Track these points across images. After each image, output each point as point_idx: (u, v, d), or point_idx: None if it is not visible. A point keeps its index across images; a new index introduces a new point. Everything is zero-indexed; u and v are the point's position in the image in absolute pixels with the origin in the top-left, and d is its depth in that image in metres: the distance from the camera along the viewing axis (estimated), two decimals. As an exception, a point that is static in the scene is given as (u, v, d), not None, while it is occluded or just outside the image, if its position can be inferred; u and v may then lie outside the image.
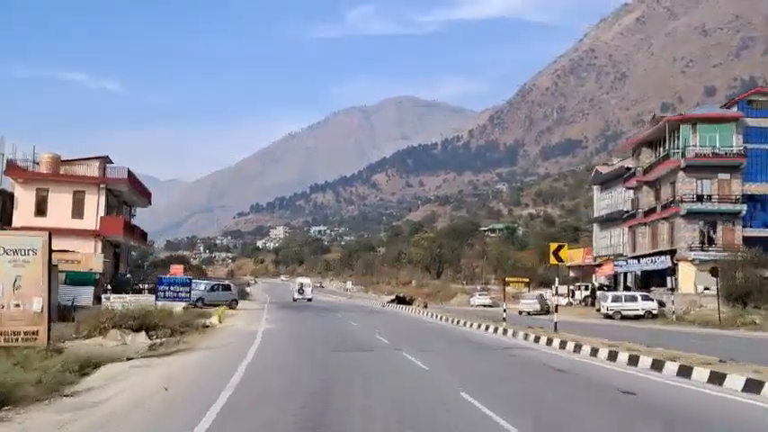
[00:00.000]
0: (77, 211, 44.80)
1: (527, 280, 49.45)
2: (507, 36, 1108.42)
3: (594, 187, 65.78)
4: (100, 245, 44.77)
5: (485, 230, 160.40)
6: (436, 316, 39.75)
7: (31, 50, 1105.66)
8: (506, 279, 43.65)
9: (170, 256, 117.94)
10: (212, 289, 46.09)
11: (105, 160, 47.86)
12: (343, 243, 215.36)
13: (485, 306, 58.68)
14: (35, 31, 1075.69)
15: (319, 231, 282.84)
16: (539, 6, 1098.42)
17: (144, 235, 59.25)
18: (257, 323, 31.19)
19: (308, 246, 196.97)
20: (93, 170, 45.64)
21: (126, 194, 50.55)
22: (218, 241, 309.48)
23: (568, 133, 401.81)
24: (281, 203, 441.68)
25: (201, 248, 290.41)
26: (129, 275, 49.86)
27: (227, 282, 52.22)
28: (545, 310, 46.65)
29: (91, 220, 45.07)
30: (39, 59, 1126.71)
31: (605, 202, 60.50)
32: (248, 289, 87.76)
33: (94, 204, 45.33)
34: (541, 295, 48.21)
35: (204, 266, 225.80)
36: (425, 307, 51.26)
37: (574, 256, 58.29)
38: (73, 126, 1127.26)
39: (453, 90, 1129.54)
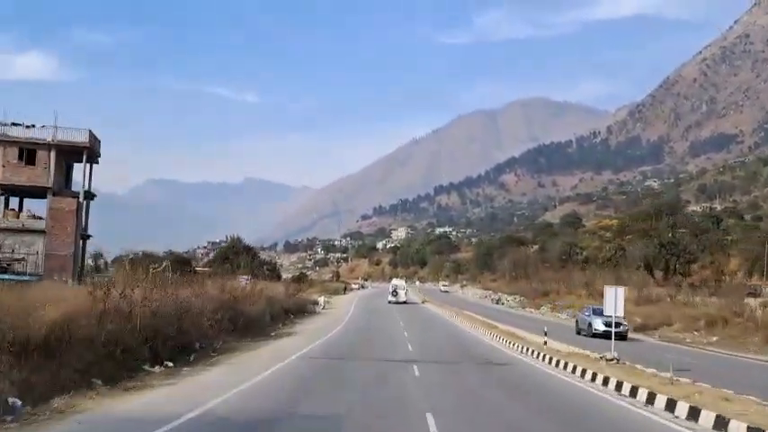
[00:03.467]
0: None
1: None
2: (644, 35, 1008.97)
3: None
4: None
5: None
6: None
7: (180, 65, 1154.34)
8: None
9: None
10: None
11: None
12: (471, 244, 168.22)
13: None
14: (184, 47, 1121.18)
15: (444, 233, 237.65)
16: (679, 1, 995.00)
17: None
18: None
19: (432, 244, 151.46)
20: None
21: None
22: (336, 242, 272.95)
23: (721, 127, 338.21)
24: (404, 206, 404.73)
25: (319, 249, 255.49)
26: None
27: None
28: None
29: None
30: (186, 73, 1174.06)
31: None
32: (321, 300, 45.09)
33: None
34: None
35: (317, 267, 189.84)
36: None
37: None
38: (214, 136, 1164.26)
39: (586, 92, 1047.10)
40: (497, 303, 61.72)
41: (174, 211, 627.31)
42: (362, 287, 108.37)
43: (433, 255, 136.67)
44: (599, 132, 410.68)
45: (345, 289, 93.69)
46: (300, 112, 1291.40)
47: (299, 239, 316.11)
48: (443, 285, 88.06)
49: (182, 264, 54.72)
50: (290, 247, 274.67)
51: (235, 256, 65.31)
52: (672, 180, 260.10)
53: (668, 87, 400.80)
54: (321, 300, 45.94)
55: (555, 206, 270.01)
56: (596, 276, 58.13)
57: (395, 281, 71.26)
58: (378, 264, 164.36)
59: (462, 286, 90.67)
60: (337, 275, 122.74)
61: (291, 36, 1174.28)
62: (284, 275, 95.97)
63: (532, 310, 50.32)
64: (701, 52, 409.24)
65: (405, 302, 60.15)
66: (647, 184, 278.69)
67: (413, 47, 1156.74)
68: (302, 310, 35.90)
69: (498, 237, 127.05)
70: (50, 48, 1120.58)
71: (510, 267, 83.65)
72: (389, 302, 59.15)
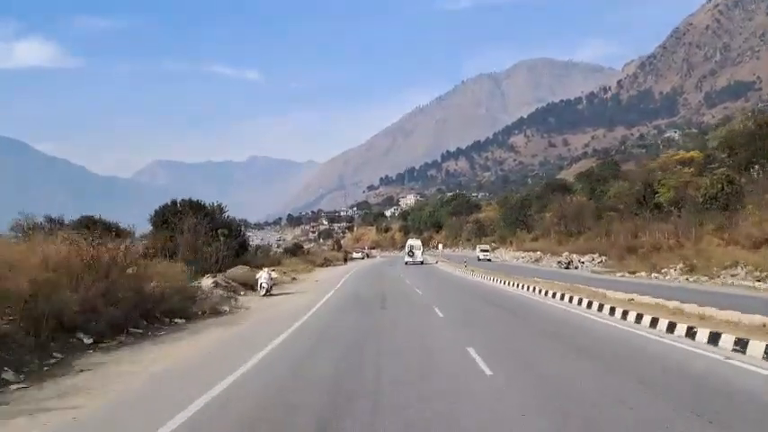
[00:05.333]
0: None
1: None
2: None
3: None
4: None
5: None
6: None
7: (178, 46, 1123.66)
8: None
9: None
10: None
11: None
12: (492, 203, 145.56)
13: None
14: (182, 29, 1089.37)
15: (458, 194, 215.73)
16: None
17: None
18: None
19: (448, 205, 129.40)
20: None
21: None
22: (342, 213, 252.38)
23: (737, 75, 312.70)
24: (412, 175, 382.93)
25: (324, 221, 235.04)
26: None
27: None
28: None
29: None
30: (184, 54, 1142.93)
31: None
32: (262, 279, 23.11)
33: None
34: None
35: (321, 239, 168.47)
36: None
37: None
38: (217, 115, 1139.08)
39: (591, 51, 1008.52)
40: (567, 268, 40.15)
41: (178, 192, 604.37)
42: (367, 256, 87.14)
43: (450, 216, 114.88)
44: (609, 88, 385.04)
45: (346, 259, 73.21)
46: (302, 87, 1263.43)
47: (304, 213, 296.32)
48: (482, 251, 62.35)
49: (103, 231, 32.44)
50: (294, 221, 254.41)
51: (175, 216, 43.51)
52: (695, 130, 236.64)
53: (679, 37, 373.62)
54: (262, 278, 23.57)
55: (571, 164, 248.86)
56: (715, 219, 36.33)
57: (411, 241, 64.83)
58: (386, 231, 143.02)
59: (493, 250, 69.10)
60: (338, 245, 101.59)
61: (288, 9, 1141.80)
62: (280, 249, 76.55)
63: (657, 275, 28.87)
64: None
65: (421, 263, 56.55)
66: (667, 135, 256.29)
67: (412, 15, 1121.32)
68: (177, 312, 13.77)
69: (532, 187, 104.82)
70: (51, 35, 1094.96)
71: (556, 222, 61.97)
72: (406, 263, 55.36)
